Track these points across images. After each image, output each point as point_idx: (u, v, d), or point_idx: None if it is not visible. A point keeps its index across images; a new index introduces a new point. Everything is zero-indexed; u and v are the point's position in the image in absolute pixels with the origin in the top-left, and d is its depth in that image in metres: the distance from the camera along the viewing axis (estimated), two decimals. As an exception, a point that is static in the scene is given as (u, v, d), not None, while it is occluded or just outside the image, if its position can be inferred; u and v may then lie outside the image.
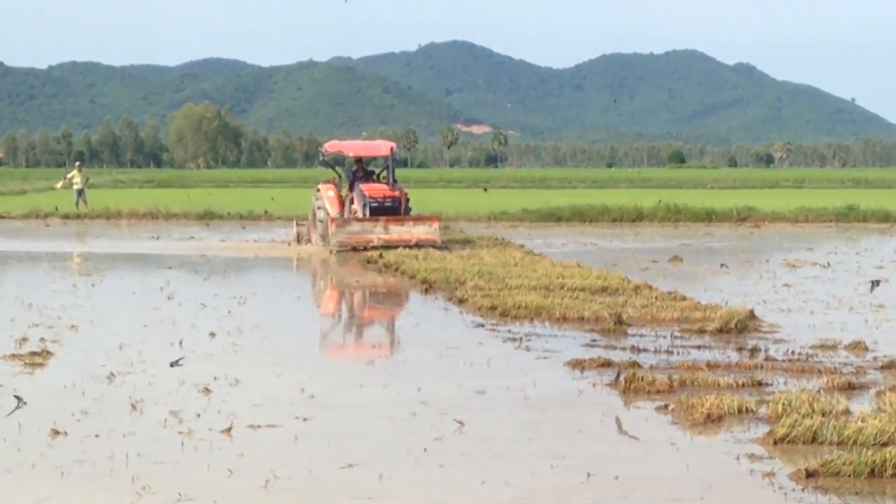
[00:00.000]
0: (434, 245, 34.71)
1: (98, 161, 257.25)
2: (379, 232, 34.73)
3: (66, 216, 56.33)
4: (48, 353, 17.25)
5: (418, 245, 34.48)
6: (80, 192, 59.45)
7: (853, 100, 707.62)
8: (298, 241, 38.89)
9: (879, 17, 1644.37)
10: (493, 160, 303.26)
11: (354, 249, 34.58)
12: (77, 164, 69.59)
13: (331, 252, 34.88)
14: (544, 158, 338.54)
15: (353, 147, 39.65)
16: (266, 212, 57.45)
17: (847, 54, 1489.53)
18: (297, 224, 40.35)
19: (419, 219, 36.47)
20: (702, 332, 19.50)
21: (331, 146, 40.22)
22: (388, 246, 34.01)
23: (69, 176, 62.67)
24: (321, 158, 41.95)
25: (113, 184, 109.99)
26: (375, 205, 35.53)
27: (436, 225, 36.21)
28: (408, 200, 37.36)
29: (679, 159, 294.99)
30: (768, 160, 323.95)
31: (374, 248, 33.80)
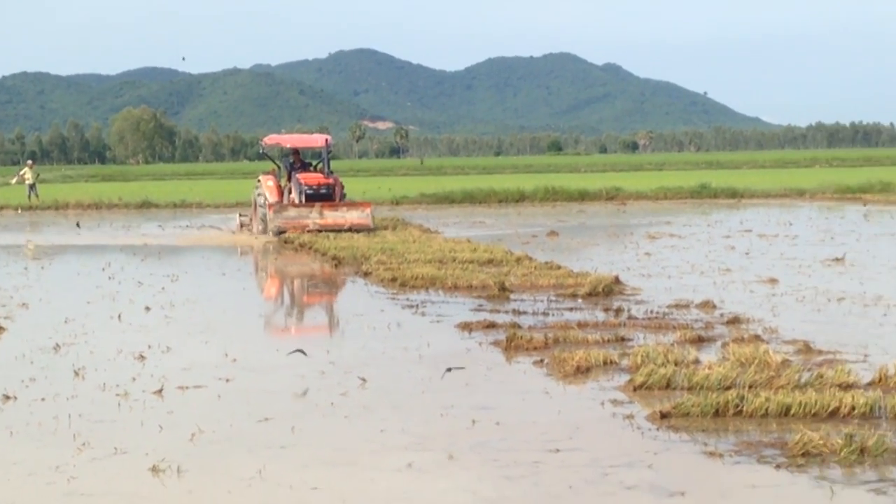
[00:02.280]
0: (367, 229, 33.80)
1: (48, 159, 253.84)
2: (314, 217, 33.82)
3: (19, 208, 55.61)
4: (1, 328, 17.03)
5: (351, 229, 33.45)
6: (32, 187, 58.74)
7: (705, 93, 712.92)
8: (242, 227, 37.92)
9: (728, 20, 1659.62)
10: (395, 151, 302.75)
11: (293, 232, 33.08)
12: (28, 162, 68.79)
13: (271, 236, 34.01)
14: (440, 149, 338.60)
15: (291, 140, 38.78)
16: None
17: (699, 54, 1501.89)
18: (241, 215, 39.47)
19: (352, 204, 35.50)
20: (573, 295, 19.52)
21: (270, 139, 39.24)
22: (323, 230, 33.24)
23: (21, 173, 61.89)
24: (261, 151, 40.50)
25: (62, 179, 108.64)
26: (311, 192, 34.73)
27: (368, 210, 35.13)
28: (343, 188, 36.40)
29: (556, 147, 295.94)
30: (634, 147, 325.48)
31: (310, 231, 32.96)
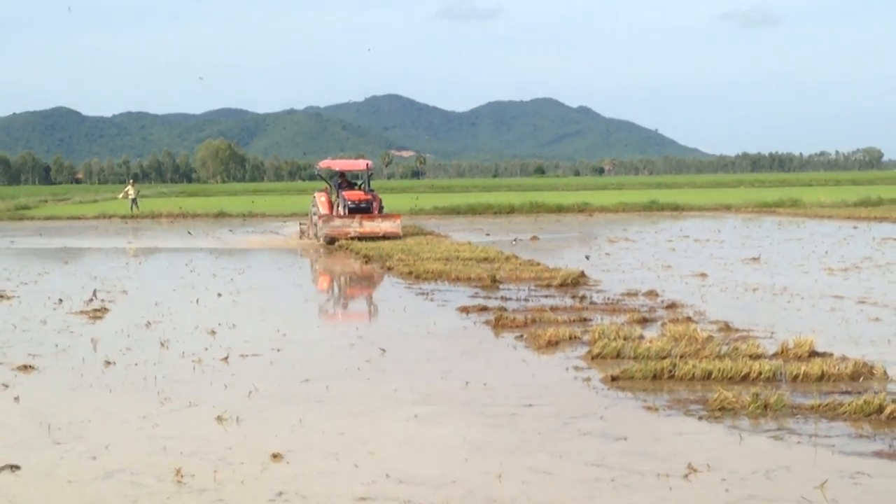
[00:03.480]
0: (397, 236, 32.87)
1: (147, 180, 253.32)
2: (355, 226, 32.87)
3: (124, 217, 55.61)
4: (106, 309, 17.01)
5: (385, 236, 32.50)
6: (134, 201, 58.69)
7: (656, 129, 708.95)
8: (302, 235, 37.05)
9: (673, 70, 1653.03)
10: (416, 174, 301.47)
11: (340, 239, 32.27)
12: (131, 181, 68.78)
13: (321, 241, 33.06)
14: (450, 172, 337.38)
15: (339, 164, 37.48)
16: (263, 213, 56.89)
17: (652, 97, 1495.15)
18: (300, 224, 38.84)
19: (386, 216, 34.20)
20: (548, 286, 19.44)
21: (323, 164, 38.00)
22: (362, 237, 32.24)
23: (126, 189, 61.90)
24: (316, 172, 39.25)
25: (157, 195, 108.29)
26: (353, 206, 33.81)
27: (398, 220, 34.02)
28: (381, 203, 35.32)
29: (541, 171, 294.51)
30: (601, 171, 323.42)
31: (352, 238, 32.21)
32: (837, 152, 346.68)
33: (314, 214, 35.30)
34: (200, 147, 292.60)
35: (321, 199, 35.24)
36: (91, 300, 18.13)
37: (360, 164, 37.35)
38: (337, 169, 36.55)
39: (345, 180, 36.04)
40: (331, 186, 36.12)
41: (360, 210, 33.90)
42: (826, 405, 9.19)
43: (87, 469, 7.72)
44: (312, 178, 40.42)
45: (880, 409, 8.90)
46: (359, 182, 36.75)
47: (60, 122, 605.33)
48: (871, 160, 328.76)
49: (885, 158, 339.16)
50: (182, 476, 7.46)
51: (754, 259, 24.62)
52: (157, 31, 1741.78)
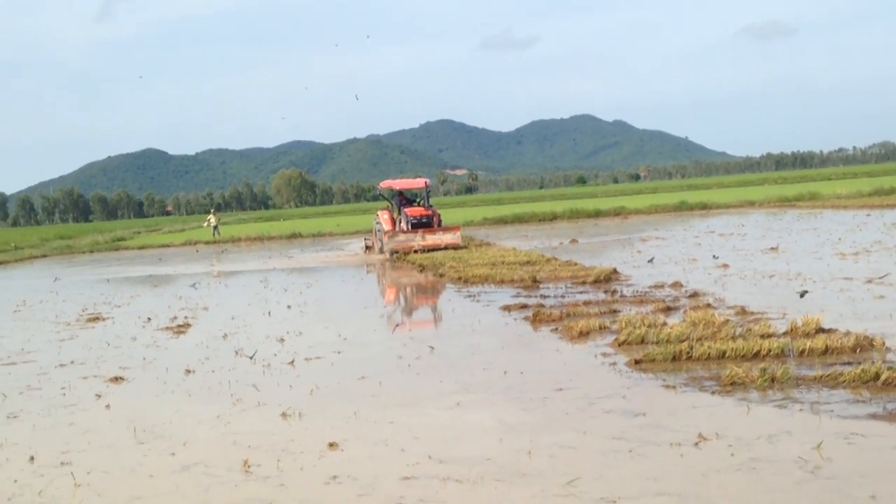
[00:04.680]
0: (457, 246, 32.11)
1: (229, 209, 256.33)
2: (418, 240, 32.37)
3: (207, 243, 56.24)
4: (188, 325, 17.29)
5: (447, 247, 31.94)
6: (216, 228, 59.37)
7: (686, 137, 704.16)
8: (367, 250, 36.58)
9: (700, 83, 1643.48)
10: (469, 190, 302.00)
11: (404, 252, 31.91)
12: (212, 210, 69.73)
13: (387, 255, 32.51)
14: (500, 187, 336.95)
15: (399, 183, 36.82)
16: (331, 232, 57.21)
17: (681, 109, 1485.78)
18: (365, 239, 38.45)
19: (446, 229, 33.51)
20: (583, 283, 19.42)
21: (384, 184, 37.49)
22: (425, 249, 31.78)
23: (209, 218, 62.65)
24: (378, 192, 38.34)
25: (237, 221, 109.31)
26: (415, 221, 33.42)
27: (458, 232, 33.38)
28: (440, 217, 34.79)
29: (582, 181, 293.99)
30: (637, 178, 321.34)
31: (416, 251, 31.67)
32: (855, 148, 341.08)
33: (378, 231, 35.01)
34: (275, 177, 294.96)
35: (384, 216, 34.83)
36: (175, 318, 18.46)
37: (418, 183, 36.78)
38: (397, 188, 36.22)
39: (404, 198, 35.78)
40: (392, 204, 35.78)
41: (422, 225, 33.53)
42: (828, 375, 9.18)
43: (167, 464, 7.94)
44: (376, 198, 39.25)
45: (877, 376, 8.88)
46: (418, 199, 36.37)
47: (150, 161, 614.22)
48: (886, 153, 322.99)
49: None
50: (249, 466, 7.65)
51: (773, 249, 24.41)
52: (229, 75, 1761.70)
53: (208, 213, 67.92)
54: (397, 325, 14.61)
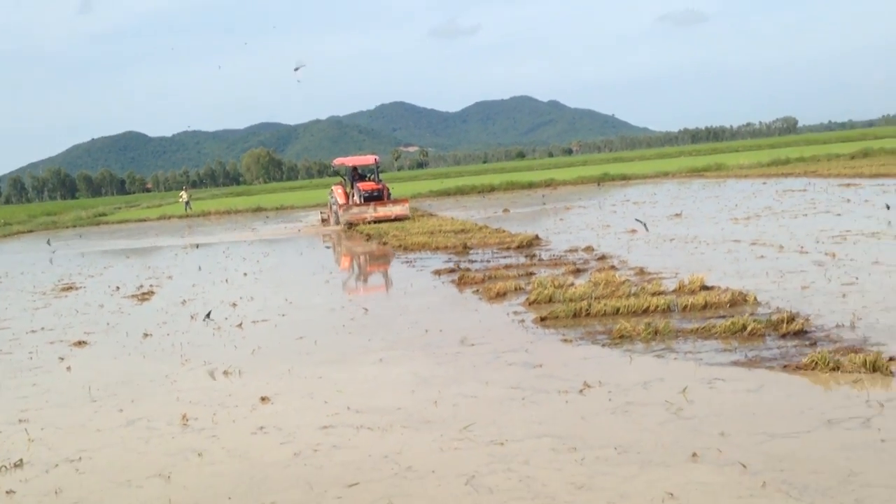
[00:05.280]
0: (406, 217, 31.84)
1: (203, 185, 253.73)
2: (370, 212, 32.05)
3: (180, 217, 55.65)
4: (152, 292, 17.17)
5: (396, 218, 31.64)
6: (188, 203, 58.87)
7: (613, 114, 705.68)
8: (323, 222, 35.84)
9: (624, 65, 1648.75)
10: (420, 165, 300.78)
11: (357, 223, 31.61)
12: (185, 187, 69.06)
13: (342, 227, 32.06)
14: (448, 162, 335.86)
15: (352, 160, 36.33)
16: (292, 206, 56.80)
17: (609, 89, 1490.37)
18: (321, 213, 37.98)
19: (396, 201, 33.22)
20: (508, 248, 19.56)
21: (337, 161, 36.94)
22: (377, 220, 31.39)
23: (181, 194, 62.06)
24: (333, 169, 37.79)
25: (211, 196, 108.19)
26: (367, 195, 33.11)
27: (406, 204, 33.09)
28: (389, 191, 34.67)
29: (521, 156, 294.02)
30: (570, 152, 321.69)
31: (368, 222, 31.36)
32: (760, 123, 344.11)
33: (333, 204, 34.65)
34: (245, 156, 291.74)
35: (338, 190, 34.46)
36: (141, 286, 18.31)
37: (369, 159, 36.47)
38: (350, 164, 35.91)
39: (357, 174, 35.45)
40: (345, 180, 35.54)
41: (374, 198, 33.22)
42: (703, 328, 9.36)
43: (114, 419, 7.93)
44: (333, 173, 38.31)
45: (744, 327, 9.08)
46: (369, 175, 36.01)
47: (131, 143, 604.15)
48: (788, 127, 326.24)
49: (799, 125, 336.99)
50: (187, 420, 7.67)
51: (676, 215, 24.65)
52: (201, 63, 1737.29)
53: (182, 189, 67.12)
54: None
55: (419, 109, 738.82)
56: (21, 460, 6.89)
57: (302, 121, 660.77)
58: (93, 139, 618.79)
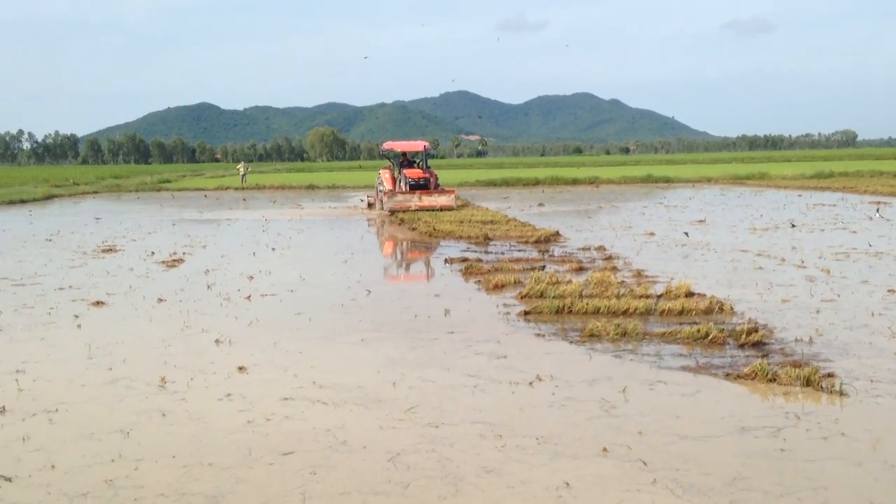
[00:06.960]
0: (451, 208, 30.39)
1: (269, 159, 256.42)
2: (415, 200, 30.99)
3: (237, 189, 56.08)
4: (182, 260, 17.65)
5: (441, 208, 30.31)
6: (244, 176, 59.65)
7: (673, 117, 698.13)
8: (370, 206, 34.93)
9: (686, 68, 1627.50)
10: (479, 154, 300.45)
11: (394, 211, 30.33)
12: (242, 161, 69.93)
13: (387, 213, 30.87)
14: (507, 152, 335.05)
15: (400, 145, 35.12)
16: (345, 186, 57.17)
17: (669, 90, 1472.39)
18: (368, 196, 37.30)
19: (442, 191, 32.04)
20: (527, 242, 19.71)
21: (386, 145, 35.87)
22: (421, 209, 30.18)
23: (239, 167, 62.94)
24: (382, 153, 36.32)
25: (275, 171, 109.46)
26: (413, 182, 32.13)
27: (453, 195, 31.76)
28: (437, 179, 33.41)
29: (578, 151, 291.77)
30: (627, 151, 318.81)
31: (412, 210, 30.06)
32: (819, 134, 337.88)
33: (380, 191, 33.77)
34: (310, 133, 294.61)
35: (385, 175, 33.61)
36: (174, 252, 18.80)
37: (418, 146, 35.05)
38: (398, 149, 34.97)
39: (406, 159, 34.46)
40: (393, 165, 34.61)
41: (419, 186, 32.26)
42: (669, 332, 9.51)
43: (101, 377, 8.33)
44: (382, 157, 37.24)
45: (706, 335, 9.21)
46: (417, 161, 34.99)
47: (204, 114, 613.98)
48: (847, 140, 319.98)
49: (859, 139, 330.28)
50: (165, 382, 8.05)
51: (700, 221, 24.56)
52: (277, 41, 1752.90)
53: (239, 162, 68.13)
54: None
55: (482, 100, 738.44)
56: (3, 407, 7.32)
57: (368, 103, 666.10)
58: (168, 108, 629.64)
